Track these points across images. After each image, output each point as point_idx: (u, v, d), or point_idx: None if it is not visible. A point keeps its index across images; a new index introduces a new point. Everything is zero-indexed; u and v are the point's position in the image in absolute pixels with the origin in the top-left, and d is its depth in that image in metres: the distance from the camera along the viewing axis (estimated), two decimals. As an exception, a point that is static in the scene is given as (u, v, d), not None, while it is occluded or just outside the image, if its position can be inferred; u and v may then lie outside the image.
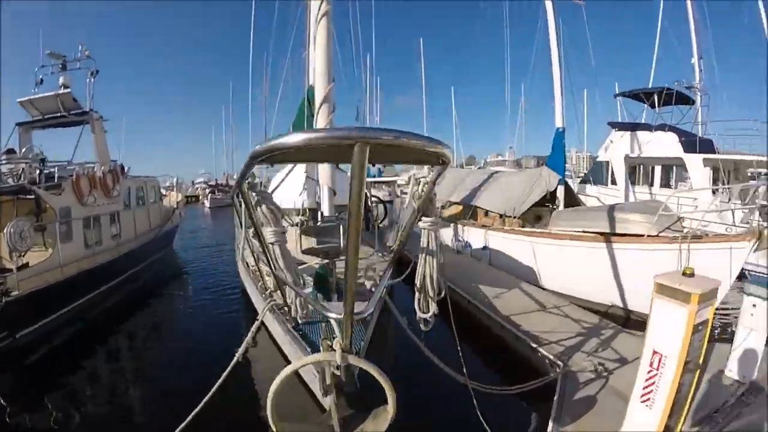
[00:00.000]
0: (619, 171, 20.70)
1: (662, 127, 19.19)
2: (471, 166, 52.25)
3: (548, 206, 14.23)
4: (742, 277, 14.08)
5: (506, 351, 8.49)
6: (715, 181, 17.36)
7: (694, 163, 17.46)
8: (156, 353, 10.27)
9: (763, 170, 20.81)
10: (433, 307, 4.72)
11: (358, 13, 21.29)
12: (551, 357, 7.30)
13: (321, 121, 8.17)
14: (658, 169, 19.23)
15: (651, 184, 19.40)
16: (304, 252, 7.07)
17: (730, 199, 14.95)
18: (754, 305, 5.95)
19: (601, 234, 10.52)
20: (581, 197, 20.23)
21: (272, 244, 3.65)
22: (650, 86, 21.95)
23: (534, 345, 7.77)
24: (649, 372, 4.27)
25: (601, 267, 10.26)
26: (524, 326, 8.60)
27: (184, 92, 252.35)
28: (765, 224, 15.52)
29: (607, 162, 21.47)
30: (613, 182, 20.90)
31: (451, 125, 55.95)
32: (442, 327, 5.80)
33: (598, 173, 22.10)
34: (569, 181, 17.77)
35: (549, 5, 14.15)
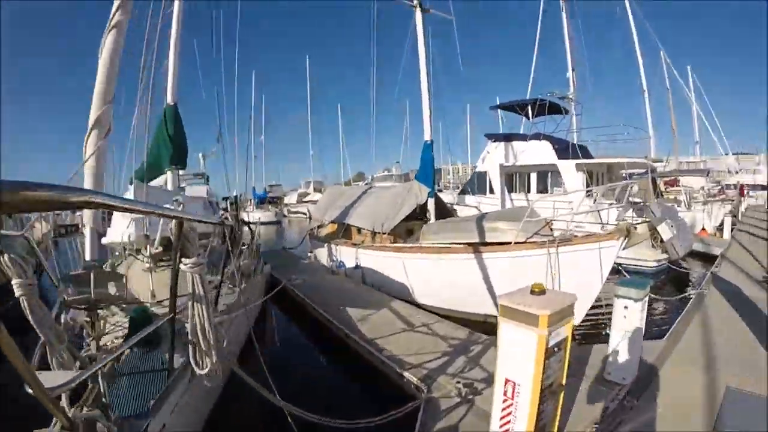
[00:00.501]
0: (496, 180, 20.95)
1: (537, 136, 19.74)
2: (359, 183, 51.81)
3: (422, 220, 13.74)
4: (618, 272, 14.24)
5: (376, 378, 7.70)
6: (590, 185, 17.75)
7: (567, 168, 17.83)
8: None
9: (636, 170, 21.62)
10: (208, 361, 3.99)
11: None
12: (415, 381, 6.56)
13: (89, 148, 6.47)
14: (533, 176, 19.70)
15: (528, 191, 19.72)
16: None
17: (595, 201, 15.49)
18: (625, 307, 5.81)
19: (470, 244, 10.13)
20: (462, 208, 20.46)
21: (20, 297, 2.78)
22: (528, 98, 22.36)
23: (399, 370, 7.01)
24: (504, 401, 3.87)
25: (472, 278, 9.87)
26: (391, 349, 7.78)
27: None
28: (633, 221, 16.10)
29: (485, 172, 21.78)
30: (492, 191, 21.19)
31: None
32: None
33: (478, 183, 22.29)
34: (452, 194, 17.59)
35: (418, 18, 13.76)
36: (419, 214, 13.73)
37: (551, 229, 10.25)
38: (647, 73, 37.65)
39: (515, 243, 9.41)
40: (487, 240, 10.08)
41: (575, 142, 21.28)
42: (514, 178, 20.66)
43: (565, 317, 3.73)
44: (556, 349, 3.70)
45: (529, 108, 20.60)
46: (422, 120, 13.37)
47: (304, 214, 49.29)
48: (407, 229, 13.71)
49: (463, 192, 23.65)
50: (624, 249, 8.85)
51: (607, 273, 8.67)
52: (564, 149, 18.47)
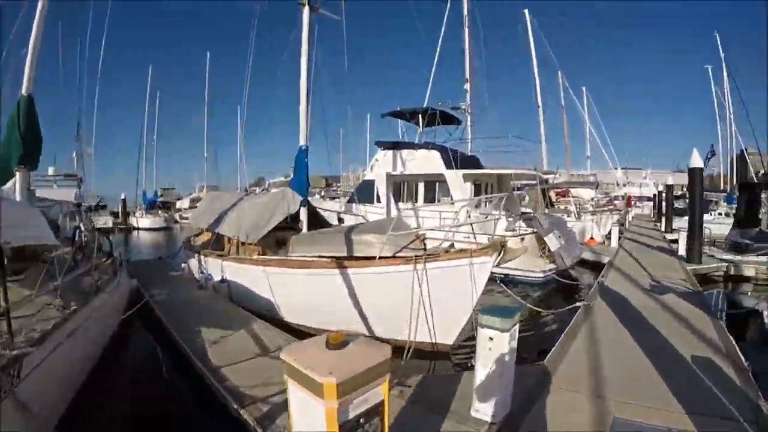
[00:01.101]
0: (383, 189, 20.30)
1: (426, 145, 19.23)
2: (255, 189, 50.02)
3: (295, 230, 12.65)
4: (507, 282, 13.59)
5: (213, 416, 6.54)
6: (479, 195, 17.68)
7: (454, 178, 17.42)
8: None
9: (527, 181, 21.43)
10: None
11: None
12: (252, 423, 5.48)
13: None
14: (421, 186, 19.16)
15: (415, 201, 19.12)
16: None
17: (468, 213, 15.20)
18: (490, 338, 4.86)
19: (337, 258, 9.27)
20: (349, 217, 19.56)
21: None
22: (425, 106, 21.69)
23: (236, 405, 5.91)
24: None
25: (339, 295, 9.01)
26: (236, 379, 6.69)
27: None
28: (521, 231, 15.72)
29: (373, 180, 21.02)
30: (379, 200, 20.42)
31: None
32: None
33: (365, 192, 21.36)
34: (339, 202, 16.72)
35: (306, 17, 12.58)
36: (293, 223, 12.77)
37: (424, 243, 9.60)
38: (545, 90, 39.20)
39: (380, 258, 8.64)
40: (355, 254, 9.26)
41: (469, 152, 21.03)
42: (402, 188, 20.07)
43: (373, 379, 3.02)
44: (361, 420, 2.97)
45: (420, 117, 20.15)
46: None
47: (197, 218, 47.96)
48: (277, 240, 12.60)
49: (350, 200, 22.57)
50: (498, 265, 8.34)
51: (481, 290, 8.08)
52: (453, 159, 18.02)
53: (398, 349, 7.14)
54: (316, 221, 13.77)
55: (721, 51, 44.74)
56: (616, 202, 35.24)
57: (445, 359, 8.53)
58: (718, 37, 44.48)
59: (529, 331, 10.44)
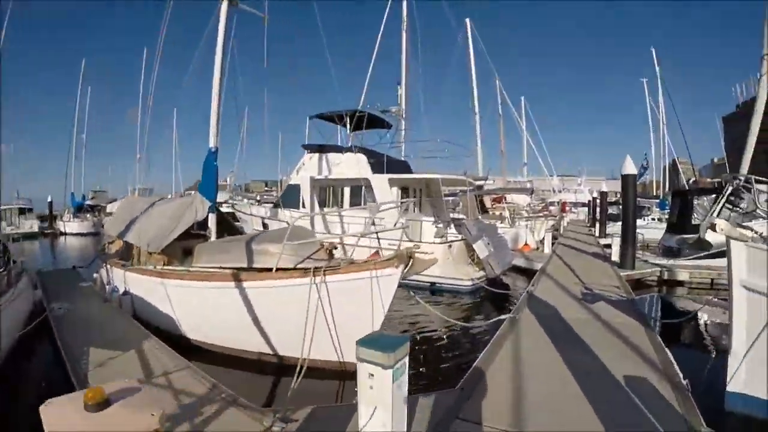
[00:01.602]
0: (307, 193, 19.41)
1: (352, 149, 18.53)
2: (191, 193, 48.37)
3: (204, 238, 11.66)
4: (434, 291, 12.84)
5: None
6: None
7: (380, 183, 16.78)
8: None
9: (461, 187, 20.85)
10: None
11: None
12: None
13: None
14: (347, 191, 18.36)
15: (341, 206, 18.38)
16: None
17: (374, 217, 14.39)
18: (371, 374, 3.93)
19: (237, 270, 8.49)
20: (273, 222, 19.15)
21: None
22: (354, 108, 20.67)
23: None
24: None
25: (237, 310, 8.17)
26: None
27: None
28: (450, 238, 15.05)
29: (299, 185, 20.05)
30: (304, 205, 19.49)
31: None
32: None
33: (291, 196, 20.43)
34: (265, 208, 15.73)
35: (223, 11, 11.52)
36: (203, 231, 11.88)
37: (331, 253, 8.90)
38: (483, 98, 38.90)
39: (277, 270, 7.85)
40: (255, 264, 8.56)
41: (402, 157, 20.30)
42: (327, 192, 19.27)
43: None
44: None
45: (348, 119, 19.22)
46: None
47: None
48: (184, 250, 11.54)
49: (276, 205, 21.86)
50: (406, 278, 7.56)
51: (388, 304, 7.40)
52: (379, 163, 17.39)
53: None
54: (227, 228, 12.86)
55: (656, 65, 45.86)
56: (551, 207, 35.37)
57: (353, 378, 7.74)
58: (654, 52, 45.80)
59: (448, 348, 9.88)
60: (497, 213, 28.14)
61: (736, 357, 5.48)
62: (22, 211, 40.08)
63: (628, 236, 15.80)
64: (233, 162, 50.75)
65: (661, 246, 18.88)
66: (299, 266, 7.91)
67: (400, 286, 7.41)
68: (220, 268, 8.80)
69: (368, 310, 7.27)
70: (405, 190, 17.73)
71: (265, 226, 20.80)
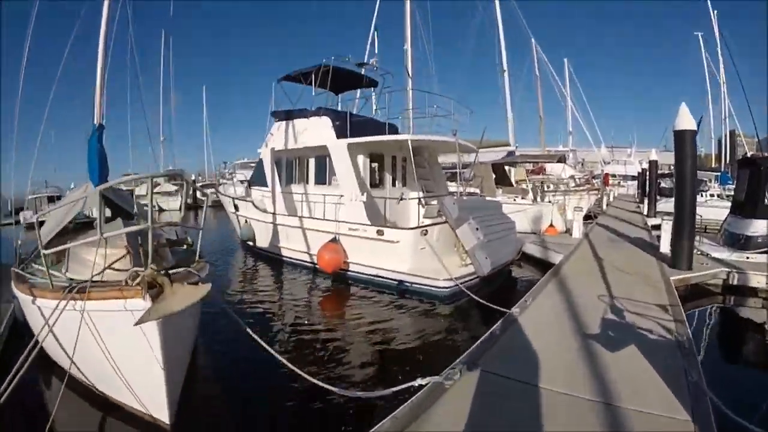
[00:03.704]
0: (267, 168, 15.82)
1: (318, 112, 14.23)
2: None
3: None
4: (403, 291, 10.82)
5: None
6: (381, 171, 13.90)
7: (337, 150, 12.89)
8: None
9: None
10: None
11: None
12: None
13: None
14: (312, 163, 14.43)
15: (306, 182, 14.61)
16: None
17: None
18: None
19: None
20: (243, 203, 16.99)
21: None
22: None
23: None
24: None
25: None
26: None
27: None
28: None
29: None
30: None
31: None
32: None
33: (259, 173, 16.88)
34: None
35: None
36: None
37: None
38: (513, 61, 32.08)
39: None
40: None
41: (390, 120, 16.01)
42: (294, 165, 15.23)
43: None
44: None
45: (313, 76, 14.58)
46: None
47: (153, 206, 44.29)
48: None
49: (250, 184, 18.13)
50: (158, 317, 4.50)
51: (158, 344, 4.71)
52: (344, 127, 13.14)
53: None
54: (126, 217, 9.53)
55: (713, 16, 39.74)
56: (594, 180, 30.30)
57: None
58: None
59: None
60: (524, 187, 23.59)
61: None
62: (51, 200, 38.37)
63: (684, 222, 10.74)
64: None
65: (724, 232, 13.70)
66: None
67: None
68: None
69: (133, 349, 4.84)
70: (378, 160, 13.72)
71: (236, 207, 17.62)
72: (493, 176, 21.21)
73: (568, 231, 17.72)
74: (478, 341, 5.73)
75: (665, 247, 12.07)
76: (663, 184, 27.44)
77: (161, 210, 44.87)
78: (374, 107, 16.79)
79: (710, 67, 43.07)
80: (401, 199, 12.65)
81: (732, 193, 18.41)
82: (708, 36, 42.58)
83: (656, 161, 25.00)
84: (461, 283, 9.81)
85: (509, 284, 12.15)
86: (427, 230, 10.79)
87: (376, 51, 24.35)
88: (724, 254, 11.66)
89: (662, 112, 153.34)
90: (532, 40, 36.79)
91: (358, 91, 18.60)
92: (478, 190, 18.59)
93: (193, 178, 54.28)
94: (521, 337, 5.97)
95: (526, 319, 6.77)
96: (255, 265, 15.25)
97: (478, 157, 15.96)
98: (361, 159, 12.83)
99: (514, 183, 24.99)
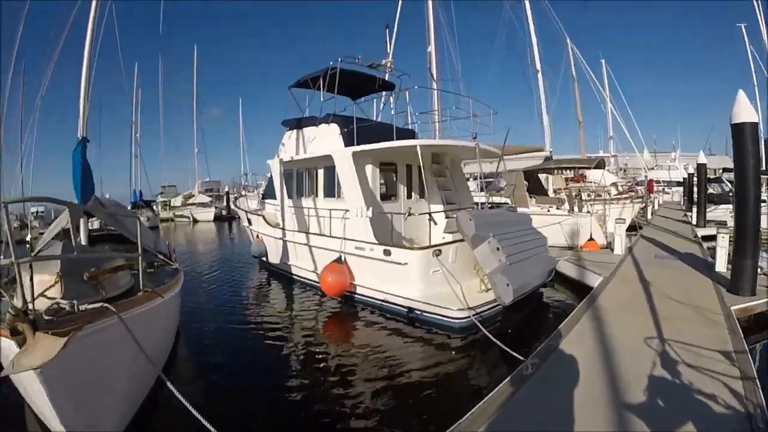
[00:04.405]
0: (276, 180, 14.92)
1: (326, 119, 13.14)
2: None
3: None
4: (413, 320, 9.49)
5: None
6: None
7: (341, 159, 11.67)
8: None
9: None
10: None
11: None
12: None
13: None
14: (321, 174, 13.19)
15: (316, 195, 13.38)
16: None
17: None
18: None
19: None
20: (255, 217, 16.25)
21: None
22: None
23: None
24: None
25: None
26: None
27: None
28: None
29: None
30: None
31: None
32: None
33: (271, 185, 16.00)
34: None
35: None
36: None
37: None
38: (547, 64, 30.76)
39: None
40: None
41: (408, 124, 15.49)
42: (303, 177, 13.97)
43: None
44: None
45: (321, 80, 13.10)
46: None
47: (187, 218, 46.67)
48: None
49: (264, 197, 17.37)
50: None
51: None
52: (352, 132, 11.85)
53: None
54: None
55: (757, 4, 36.93)
56: (638, 187, 28.38)
57: None
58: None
59: None
60: (563, 195, 21.98)
61: None
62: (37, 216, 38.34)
63: (746, 237, 8.77)
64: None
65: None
66: None
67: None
68: None
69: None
70: (389, 168, 12.44)
71: (249, 221, 16.91)
72: (525, 184, 19.71)
73: (609, 245, 15.81)
74: (470, 411, 4.43)
75: (721, 265, 10.48)
76: (711, 190, 25.44)
77: (195, 221, 45.18)
78: (392, 111, 15.50)
79: (756, 60, 40.27)
80: (409, 215, 11.36)
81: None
82: (752, 26, 39.76)
83: (704, 164, 22.91)
84: (482, 311, 8.50)
85: (539, 311, 10.39)
86: (440, 250, 9.40)
87: (390, 51, 22.90)
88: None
89: (704, 113, 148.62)
90: (567, 40, 34.77)
91: (383, 94, 17.11)
92: (508, 200, 17.09)
93: (226, 189, 54.36)
94: (530, 409, 4.56)
95: (543, 377, 5.28)
96: (263, 283, 14.40)
97: (507, 164, 14.57)
98: (369, 168, 11.55)
99: (551, 192, 23.46)
